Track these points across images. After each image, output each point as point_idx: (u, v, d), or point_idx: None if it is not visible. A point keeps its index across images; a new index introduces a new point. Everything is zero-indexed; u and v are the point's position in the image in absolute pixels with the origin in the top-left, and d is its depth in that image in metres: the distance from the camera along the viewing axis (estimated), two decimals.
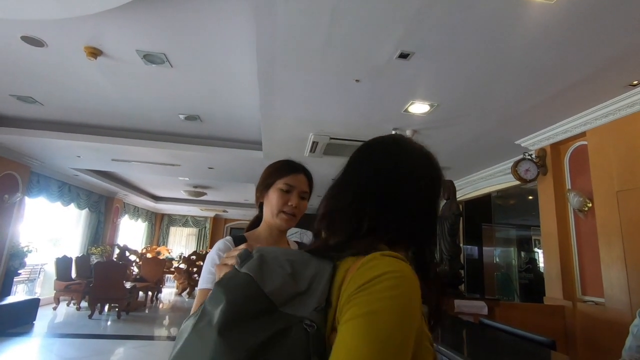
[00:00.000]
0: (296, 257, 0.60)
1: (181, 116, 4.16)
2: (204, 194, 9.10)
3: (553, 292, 3.35)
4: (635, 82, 2.56)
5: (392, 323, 0.42)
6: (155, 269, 7.78)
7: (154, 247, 11.12)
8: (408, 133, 3.60)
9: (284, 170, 1.13)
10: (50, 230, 7.65)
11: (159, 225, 13.22)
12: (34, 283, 6.94)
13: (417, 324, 0.46)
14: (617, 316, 2.73)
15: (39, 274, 7.03)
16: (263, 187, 1.15)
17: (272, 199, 1.11)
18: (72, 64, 3.09)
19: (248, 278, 0.54)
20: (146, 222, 12.09)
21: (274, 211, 1.10)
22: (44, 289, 6.98)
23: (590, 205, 3.11)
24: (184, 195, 9.38)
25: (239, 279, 0.55)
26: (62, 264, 6.74)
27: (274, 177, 1.13)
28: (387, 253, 0.50)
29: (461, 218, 4.83)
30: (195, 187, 8.59)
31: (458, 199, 4.50)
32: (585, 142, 3.22)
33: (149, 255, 9.31)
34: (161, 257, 9.74)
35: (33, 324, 5.31)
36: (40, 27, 2.59)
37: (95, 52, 2.83)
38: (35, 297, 5.83)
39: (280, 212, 1.09)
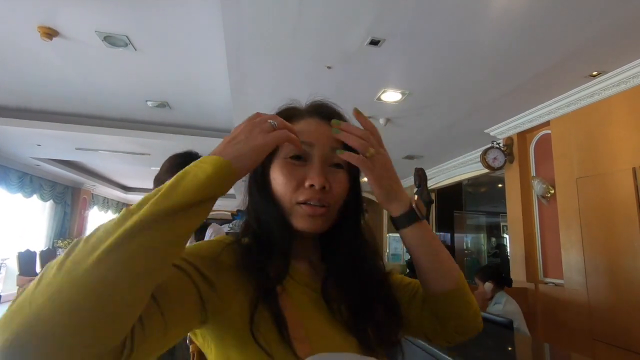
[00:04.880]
0: None
1: (149, 103, 3.99)
2: None
3: (517, 275, 3.50)
4: (595, 73, 2.66)
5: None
6: None
7: None
8: (381, 122, 3.62)
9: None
10: (12, 224, 7.24)
11: None
12: None
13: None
14: (575, 296, 2.89)
15: (0, 269, 6.67)
16: (158, 183, 1.03)
17: None
18: (26, 45, 2.88)
19: None
20: (117, 214, 11.64)
21: None
22: (6, 285, 6.64)
23: (553, 191, 3.25)
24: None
25: None
26: (26, 258, 6.41)
27: (167, 177, 1.08)
28: None
29: (432, 205, 4.96)
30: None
31: (430, 187, 4.60)
32: (549, 131, 3.34)
33: None
34: None
35: None
36: None
37: (50, 33, 2.64)
38: None
39: None
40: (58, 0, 2.32)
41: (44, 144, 5.20)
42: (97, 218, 10.40)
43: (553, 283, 3.19)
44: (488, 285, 2.67)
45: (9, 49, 2.96)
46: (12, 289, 6.38)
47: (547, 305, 3.18)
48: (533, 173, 3.54)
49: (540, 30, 2.17)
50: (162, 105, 4.04)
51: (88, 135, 4.65)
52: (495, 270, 2.89)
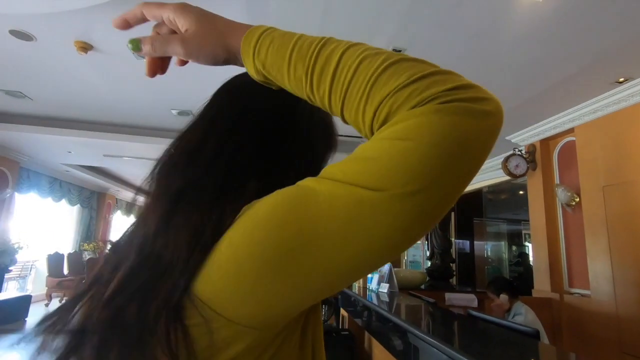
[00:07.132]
0: None
1: (173, 111, 4.14)
2: None
3: (541, 285, 3.43)
4: (622, 80, 2.61)
5: None
6: None
7: None
8: None
9: None
10: (42, 227, 7.57)
11: None
12: (25, 280, 6.88)
13: None
14: (602, 307, 2.81)
15: (30, 270, 6.97)
16: None
17: None
18: (62, 58, 3.06)
19: None
20: None
21: None
22: (36, 285, 6.93)
23: (578, 199, 3.17)
24: None
25: None
26: (54, 261, 6.69)
27: None
28: None
29: (452, 213, 4.90)
30: None
31: None
32: (574, 138, 3.28)
33: None
34: None
35: (25, 321, 5.28)
36: (29, 21, 2.55)
37: (85, 47, 2.80)
38: (27, 293, 5.79)
39: None
40: (94, 16, 2.46)
41: (75, 151, 5.45)
42: (120, 222, 10.72)
43: (579, 293, 3.11)
44: (504, 297, 2.68)
45: (47, 62, 3.15)
46: (41, 289, 6.65)
47: (572, 316, 3.10)
48: (557, 181, 3.47)
49: (564, 37, 2.15)
50: (186, 113, 4.18)
51: (115, 143, 4.85)
52: (506, 281, 2.95)
